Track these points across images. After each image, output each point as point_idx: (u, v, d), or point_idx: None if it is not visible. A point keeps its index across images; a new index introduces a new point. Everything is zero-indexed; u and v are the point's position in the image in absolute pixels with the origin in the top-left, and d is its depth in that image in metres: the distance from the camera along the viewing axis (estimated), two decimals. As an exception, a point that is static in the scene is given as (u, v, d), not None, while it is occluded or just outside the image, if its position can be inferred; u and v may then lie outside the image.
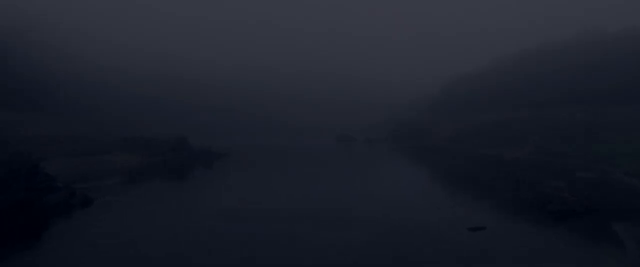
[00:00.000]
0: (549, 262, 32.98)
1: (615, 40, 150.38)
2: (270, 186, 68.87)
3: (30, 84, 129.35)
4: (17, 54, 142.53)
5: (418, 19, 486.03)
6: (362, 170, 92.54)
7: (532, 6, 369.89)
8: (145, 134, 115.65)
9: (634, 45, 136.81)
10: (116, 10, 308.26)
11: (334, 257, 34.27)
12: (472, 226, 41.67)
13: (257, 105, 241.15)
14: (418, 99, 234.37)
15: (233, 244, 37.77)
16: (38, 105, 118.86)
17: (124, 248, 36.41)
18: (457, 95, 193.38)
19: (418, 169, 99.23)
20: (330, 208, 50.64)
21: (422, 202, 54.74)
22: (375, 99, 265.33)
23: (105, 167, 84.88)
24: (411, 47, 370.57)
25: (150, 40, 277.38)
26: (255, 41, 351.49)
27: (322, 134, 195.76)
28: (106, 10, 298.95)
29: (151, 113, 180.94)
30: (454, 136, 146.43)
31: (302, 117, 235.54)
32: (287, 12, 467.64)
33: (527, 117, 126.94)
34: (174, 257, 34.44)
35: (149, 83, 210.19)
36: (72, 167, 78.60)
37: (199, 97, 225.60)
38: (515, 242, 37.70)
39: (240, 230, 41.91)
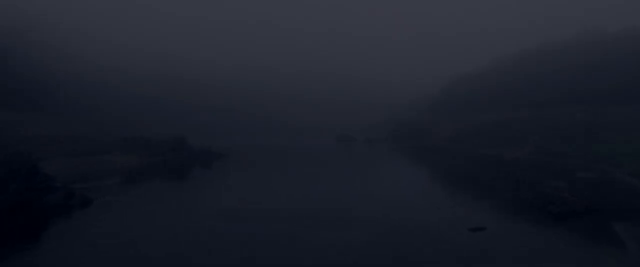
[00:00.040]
0: (549, 262, 32.96)
1: (615, 40, 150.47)
2: (270, 186, 68.84)
3: (30, 84, 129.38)
4: (17, 54, 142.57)
5: (418, 19, 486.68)
6: (362, 170, 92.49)
7: (532, 6, 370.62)
8: (145, 134, 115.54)
9: (634, 45, 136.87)
10: (116, 10, 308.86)
11: (334, 257, 34.26)
12: (472, 226, 41.62)
13: (257, 105, 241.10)
14: (418, 99, 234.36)
15: (233, 244, 37.75)
16: (38, 105, 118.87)
17: (124, 248, 36.40)
18: (457, 95, 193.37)
19: (418, 169, 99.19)
20: (330, 208, 50.62)
21: (422, 202, 54.72)
22: (375, 99, 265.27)
23: (105, 167, 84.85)
24: (411, 47, 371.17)
25: (150, 40, 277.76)
26: (255, 41, 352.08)
27: (322, 134, 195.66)
28: (106, 10, 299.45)
29: (151, 113, 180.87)
30: (454, 136, 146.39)
31: (302, 117, 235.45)
32: (287, 12, 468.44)
33: (527, 117, 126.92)
34: (174, 257, 34.42)
35: (149, 83, 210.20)
36: (72, 167, 78.59)
37: (199, 97, 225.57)
38: (516, 243, 37.68)
39: (240, 230, 41.89)
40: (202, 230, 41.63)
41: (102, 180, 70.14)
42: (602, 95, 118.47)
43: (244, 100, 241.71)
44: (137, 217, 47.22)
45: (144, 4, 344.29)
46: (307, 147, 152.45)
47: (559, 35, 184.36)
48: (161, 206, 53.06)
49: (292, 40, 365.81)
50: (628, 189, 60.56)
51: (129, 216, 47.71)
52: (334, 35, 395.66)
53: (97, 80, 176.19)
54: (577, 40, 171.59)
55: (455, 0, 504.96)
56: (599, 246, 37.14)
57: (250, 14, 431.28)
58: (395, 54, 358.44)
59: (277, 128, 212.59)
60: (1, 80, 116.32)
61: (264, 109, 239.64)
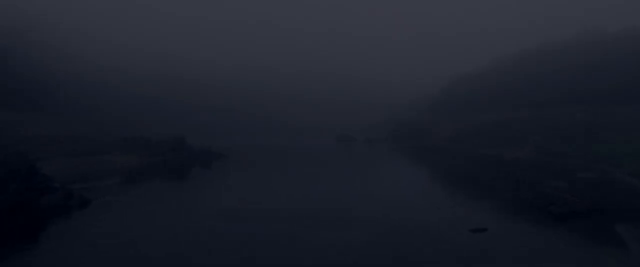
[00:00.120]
0: (551, 262, 32.91)
1: (615, 40, 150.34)
2: (270, 186, 68.84)
3: (30, 84, 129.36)
4: (17, 54, 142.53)
5: (418, 19, 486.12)
6: (362, 170, 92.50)
7: (532, 6, 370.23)
8: (145, 134, 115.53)
9: (634, 45, 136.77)
10: (116, 10, 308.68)
11: (334, 257, 34.25)
12: (473, 227, 41.53)
13: (257, 105, 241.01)
14: (418, 99, 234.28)
15: (233, 244, 37.75)
16: (38, 105, 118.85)
17: (124, 248, 36.39)
18: (457, 95, 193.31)
19: (418, 169, 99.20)
20: (330, 208, 50.61)
21: (422, 202, 54.71)
22: (375, 99, 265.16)
23: (105, 167, 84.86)
24: (411, 47, 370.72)
25: (150, 40, 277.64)
26: (255, 41, 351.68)
27: (322, 134, 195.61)
28: (106, 10, 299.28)
29: (151, 113, 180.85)
30: (454, 136, 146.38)
31: (302, 117, 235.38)
32: (287, 12, 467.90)
33: (527, 117, 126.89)
34: (174, 257, 34.42)
35: (149, 83, 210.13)
36: (72, 167, 78.63)
37: (199, 97, 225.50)
38: (516, 243, 37.64)
39: (240, 230, 41.89)
40: (202, 230, 41.62)
41: (102, 180, 70.15)
42: (602, 95, 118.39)
43: (244, 100, 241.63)
44: (137, 217, 47.22)
45: (144, 4, 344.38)
46: (307, 147, 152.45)
47: (559, 35, 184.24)
48: (161, 206, 53.05)
49: (292, 40, 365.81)
50: (628, 189, 60.55)
51: (129, 216, 47.70)
52: (334, 35, 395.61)
53: (97, 80, 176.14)
54: (577, 40, 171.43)
55: (455, 0, 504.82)
56: (601, 247, 37.09)
57: (250, 14, 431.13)
58: (395, 54, 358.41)
59: (277, 128, 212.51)
60: (1, 80, 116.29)
61: (264, 109, 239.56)
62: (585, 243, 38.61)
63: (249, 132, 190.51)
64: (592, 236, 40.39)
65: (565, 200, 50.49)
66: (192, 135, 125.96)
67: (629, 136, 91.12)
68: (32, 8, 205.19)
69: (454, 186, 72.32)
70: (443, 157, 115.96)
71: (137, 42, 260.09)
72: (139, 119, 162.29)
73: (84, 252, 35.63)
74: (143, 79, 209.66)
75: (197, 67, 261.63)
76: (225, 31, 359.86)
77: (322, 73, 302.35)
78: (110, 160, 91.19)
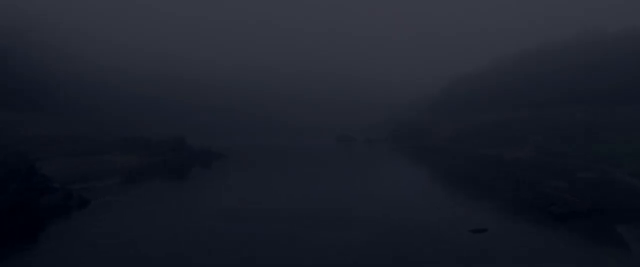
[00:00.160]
0: (552, 263, 32.90)
1: (615, 40, 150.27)
2: (270, 186, 68.84)
3: (30, 84, 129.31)
4: (17, 54, 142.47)
5: (418, 19, 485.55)
6: (362, 170, 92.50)
7: (532, 6, 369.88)
8: (145, 134, 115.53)
9: (634, 45, 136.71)
10: (116, 10, 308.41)
11: (334, 257, 34.25)
12: (473, 227, 41.48)
13: (257, 105, 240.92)
14: (418, 99, 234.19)
15: (233, 244, 37.75)
16: (38, 105, 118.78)
17: (124, 248, 36.38)
18: (457, 95, 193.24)
19: (418, 169, 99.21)
20: (330, 208, 50.61)
21: (422, 202, 54.71)
22: (375, 99, 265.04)
23: (105, 167, 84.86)
24: (411, 47, 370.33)
25: (150, 40, 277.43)
26: (255, 41, 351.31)
27: (322, 134, 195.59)
28: (106, 10, 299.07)
29: (151, 113, 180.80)
30: (454, 136, 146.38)
31: (302, 117, 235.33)
32: (287, 12, 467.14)
33: (527, 117, 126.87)
34: (174, 257, 34.42)
35: (149, 83, 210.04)
36: (72, 167, 78.63)
37: (199, 97, 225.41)
38: (517, 243, 37.62)
39: (240, 230, 41.88)
40: (202, 230, 41.62)
41: (102, 180, 70.15)
42: (602, 95, 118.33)
43: (244, 100, 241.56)
44: (137, 217, 47.21)
45: (144, 4, 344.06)
46: (307, 147, 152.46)
47: (559, 35, 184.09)
48: (161, 206, 53.06)
49: (292, 40, 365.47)
50: (629, 190, 60.53)
51: (129, 216, 47.70)
52: (334, 35, 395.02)
53: (97, 80, 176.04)
54: (577, 40, 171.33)
55: (455, 0, 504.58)
56: (602, 247, 37.06)
57: (250, 14, 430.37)
58: (395, 54, 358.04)
59: (277, 128, 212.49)
60: (1, 80, 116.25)
61: (264, 109, 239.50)
62: (585, 243, 38.60)
63: (249, 132, 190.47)
64: (592, 236, 40.38)
65: (565, 200, 50.47)
66: (192, 135, 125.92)
67: (629, 135, 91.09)
68: (32, 8, 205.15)
69: (454, 186, 72.33)
70: (443, 157, 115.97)
71: (137, 42, 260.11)
72: (139, 119, 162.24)
73: (84, 252, 35.62)
74: (143, 79, 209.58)
75: (197, 67, 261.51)
76: (225, 31, 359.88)
77: (322, 73, 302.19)
78: (110, 160, 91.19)
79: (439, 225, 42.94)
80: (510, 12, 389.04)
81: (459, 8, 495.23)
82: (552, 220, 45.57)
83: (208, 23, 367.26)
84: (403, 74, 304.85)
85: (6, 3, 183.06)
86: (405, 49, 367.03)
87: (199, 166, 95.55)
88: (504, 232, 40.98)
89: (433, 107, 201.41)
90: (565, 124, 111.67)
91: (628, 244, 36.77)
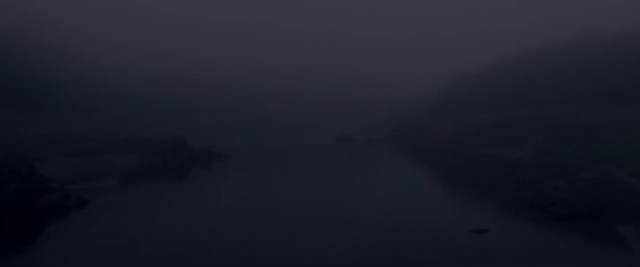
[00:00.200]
0: (552, 263, 32.87)
1: (615, 40, 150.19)
2: (270, 186, 68.82)
3: (30, 84, 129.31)
4: (17, 54, 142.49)
5: (418, 19, 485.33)
6: (362, 170, 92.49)
7: (532, 6, 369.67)
8: (145, 134, 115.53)
9: (634, 45, 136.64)
10: (116, 10, 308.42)
11: (334, 257, 34.23)
12: (473, 228, 41.41)
13: (257, 105, 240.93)
14: (418, 99, 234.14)
15: (233, 244, 37.73)
16: (38, 105, 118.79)
17: (124, 248, 36.36)
18: (457, 95, 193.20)
19: (418, 169, 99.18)
20: (330, 208, 50.59)
21: (422, 202, 54.69)
22: (375, 99, 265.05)
23: (105, 167, 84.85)
24: (411, 47, 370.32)
25: (150, 40, 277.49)
26: (255, 41, 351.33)
27: (322, 134, 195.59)
28: (106, 10, 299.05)
29: (151, 113, 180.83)
30: (454, 136, 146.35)
31: (302, 117, 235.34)
32: (287, 12, 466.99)
33: (527, 117, 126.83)
34: (174, 257, 34.40)
35: (149, 83, 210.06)
36: (72, 167, 78.63)
37: (199, 97, 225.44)
38: (517, 243, 37.59)
39: (240, 230, 41.86)
40: (202, 230, 41.60)
41: (102, 180, 70.14)
42: (602, 95, 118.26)
43: (244, 100, 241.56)
44: (137, 217, 47.19)
45: (144, 4, 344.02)
46: (307, 147, 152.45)
47: (559, 35, 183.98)
48: (161, 206, 53.04)
49: (292, 40, 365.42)
50: (629, 190, 60.47)
51: (128, 216, 47.68)
52: (334, 35, 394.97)
53: (97, 80, 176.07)
54: (577, 40, 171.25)
55: (455, 0, 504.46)
56: (603, 248, 37.01)
57: (250, 14, 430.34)
58: (395, 54, 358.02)
59: (277, 128, 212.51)
60: (1, 80, 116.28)
61: (264, 109, 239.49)
62: (586, 244, 38.55)
63: (249, 132, 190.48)
64: (593, 237, 40.34)
65: (565, 200, 50.41)
66: (192, 135, 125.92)
67: (629, 136, 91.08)
68: (32, 8, 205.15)
69: (454, 186, 72.30)
70: (443, 157, 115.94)
71: (137, 42, 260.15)
72: (139, 119, 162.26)
73: (84, 252, 35.60)
74: (143, 79, 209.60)
75: (197, 67, 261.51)
76: (225, 31, 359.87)
77: (322, 73, 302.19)
78: (110, 160, 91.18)
79: (439, 225, 42.91)
80: (510, 12, 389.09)
81: (459, 8, 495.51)
82: (553, 220, 45.54)
83: (208, 23, 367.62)
84: (403, 74, 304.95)
85: (6, 3, 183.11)
86: (405, 49, 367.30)
87: (199, 166, 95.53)
88: (504, 232, 40.94)
89: (433, 107, 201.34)
90: (565, 124, 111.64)
91: (629, 245, 36.72)
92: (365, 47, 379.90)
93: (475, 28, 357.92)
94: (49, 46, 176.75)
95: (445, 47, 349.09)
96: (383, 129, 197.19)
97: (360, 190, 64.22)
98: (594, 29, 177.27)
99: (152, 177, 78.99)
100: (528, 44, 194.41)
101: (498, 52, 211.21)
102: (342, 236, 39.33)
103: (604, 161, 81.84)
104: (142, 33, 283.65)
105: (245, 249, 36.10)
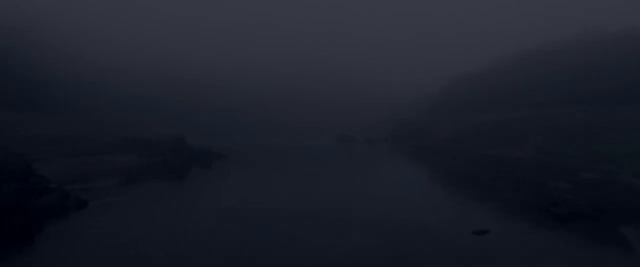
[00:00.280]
0: (552, 263, 32.81)
1: (615, 40, 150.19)
2: (270, 186, 68.76)
3: (30, 84, 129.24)
4: (17, 54, 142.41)
5: (418, 19, 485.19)
6: (362, 170, 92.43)
7: (532, 6, 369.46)
8: (145, 134, 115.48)
9: (634, 45, 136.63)
10: (116, 10, 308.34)
11: (334, 258, 34.18)
12: (474, 228, 41.33)
13: (257, 105, 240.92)
14: (418, 99, 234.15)
15: (233, 244, 37.68)
16: (38, 105, 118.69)
17: (123, 248, 36.29)
18: (457, 95, 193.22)
19: (418, 169, 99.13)
20: (330, 208, 50.54)
21: (422, 202, 54.64)
22: (375, 99, 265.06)
23: (105, 167, 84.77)
24: (411, 47, 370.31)
25: (150, 40, 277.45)
26: (255, 41, 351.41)
27: (322, 134, 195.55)
28: (106, 10, 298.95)
29: (151, 113, 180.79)
30: (454, 136, 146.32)
31: (302, 117, 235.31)
32: (287, 12, 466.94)
33: (527, 117, 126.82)
34: (174, 257, 34.34)
35: (149, 83, 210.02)
36: (72, 167, 78.56)
37: (199, 97, 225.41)
38: (517, 244, 37.53)
39: (240, 230, 41.81)
40: (202, 230, 41.54)
41: (102, 180, 70.05)
42: (602, 95, 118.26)
43: (244, 100, 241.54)
44: (137, 217, 47.12)
45: (144, 4, 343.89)
46: (307, 147, 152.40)
47: (559, 35, 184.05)
48: (161, 206, 52.98)
49: (292, 40, 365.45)
50: (629, 190, 60.45)
51: (128, 216, 47.60)
52: (334, 35, 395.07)
53: (97, 80, 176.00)
54: (577, 40, 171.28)
55: (455, 0, 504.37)
56: (604, 248, 36.95)
57: (250, 14, 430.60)
58: (395, 54, 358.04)
59: (277, 128, 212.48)
60: (1, 80, 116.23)
61: (264, 109, 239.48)
62: (587, 244, 38.50)
63: (249, 132, 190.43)
64: (594, 237, 40.28)
65: (566, 200, 50.36)
66: (192, 135, 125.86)
67: (629, 135, 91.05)
68: (32, 8, 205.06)
69: (454, 186, 72.24)
70: (443, 157, 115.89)
71: (137, 42, 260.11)
72: (139, 119, 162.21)
73: (83, 252, 35.53)
74: (143, 79, 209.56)
75: (197, 67, 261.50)
76: (225, 31, 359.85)
77: (322, 73, 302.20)
78: (110, 160, 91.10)
79: (439, 225, 42.86)
80: (510, 12, 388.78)
81: (459, 8, 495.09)
82: (553, 220, 45.49)
83: (208, 23, 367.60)
84: (403, 74, 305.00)
85: (6, 3, 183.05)
86: (405, 49, 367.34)
87: (199, 166, 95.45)
88: (504, 232, 40.87)
89: (433, 107, 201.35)
90: (565, 124, 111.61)
91: (630, 245, 36.66)
92: (365, 47, 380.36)
93: (475, 28, 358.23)
94: (49, 46, 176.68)
95: (445, 47, 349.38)
96: (383, 129, 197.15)
97: (360, 190, 64.15)
98: (594, 29, 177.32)
99: (152, 177, 78.91)
100: (528, 44, 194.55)
101: (498, 52, 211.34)
102: (342, 236, 39.28)
103: (604, 161, 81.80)
104: (142, 33, 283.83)
105: (245, 249, 36.05)
